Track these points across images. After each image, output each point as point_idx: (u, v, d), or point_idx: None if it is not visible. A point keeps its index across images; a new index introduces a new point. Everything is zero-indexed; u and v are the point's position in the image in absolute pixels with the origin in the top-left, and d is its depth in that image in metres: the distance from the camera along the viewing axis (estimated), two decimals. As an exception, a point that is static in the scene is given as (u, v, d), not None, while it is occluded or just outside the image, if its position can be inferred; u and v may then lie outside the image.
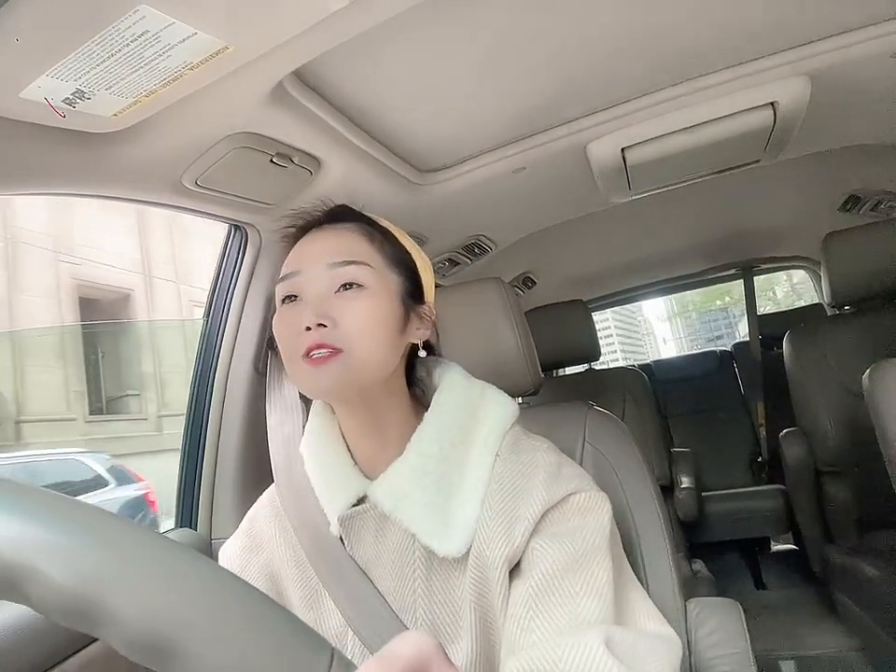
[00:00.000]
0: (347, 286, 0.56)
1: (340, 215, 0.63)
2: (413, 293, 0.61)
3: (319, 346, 0.53)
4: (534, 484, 0.55)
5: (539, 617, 0.47)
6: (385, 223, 0.65)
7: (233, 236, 1.03)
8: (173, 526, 1.06)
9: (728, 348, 2.93)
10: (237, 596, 0.25)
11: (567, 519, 0.53)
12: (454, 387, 0.62)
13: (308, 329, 0.53)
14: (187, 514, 1.05)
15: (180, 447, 1.08)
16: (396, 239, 0.63)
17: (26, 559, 0.23)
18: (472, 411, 0.61)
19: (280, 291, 0.58)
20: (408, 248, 0.64)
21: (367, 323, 0.55)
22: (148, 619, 0.23)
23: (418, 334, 0.62)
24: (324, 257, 0.57)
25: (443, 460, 0.57)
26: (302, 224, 0.62)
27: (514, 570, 0.53)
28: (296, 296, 0.57)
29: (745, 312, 2.67)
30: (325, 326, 0.54)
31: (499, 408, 0.63)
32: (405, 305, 0.59)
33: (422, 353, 0.63)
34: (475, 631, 0.54)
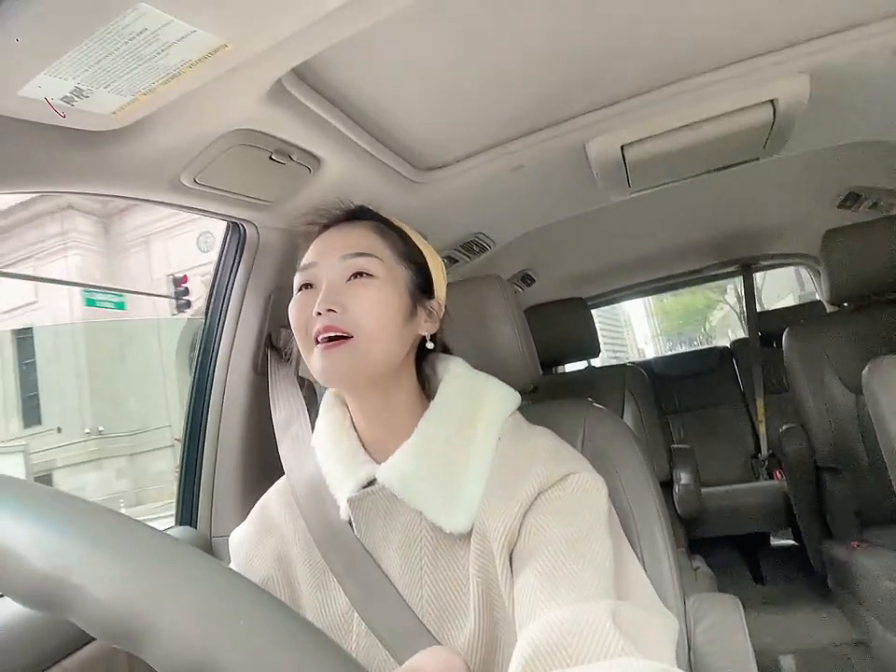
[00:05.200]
0: (357, 275, 0.60)
1: (358, 214, 0.68)
2: (422, 287, 0.66)
3: (328, 329, 0.57)
4: (533, 465, 0.58)
5: (546, 596, 0.48)
6: (398, 223, 0.70)
7: (232, 233, 1.03)
8: (173, 524, 1.06)
9: (727, 345, 2.94)
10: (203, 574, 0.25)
11: (566, 497, 0.56)
12: (458, 377, 0.67)
13: (319, 314, 0.58)
14: (187, 512, 1.06)
15: (180, 445, 1.08)
16: (408, 237, 0.68)
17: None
18: (476, 398, 0.65)
19: (297, 281, 0.63)
20: (420, 247, 0.69)
21: (374, 310, 0.59)
22: (119, 604, 0.23)
23: (426, 326, 0.66)
24: (338, 249, 0.61)
25: (448, 443, 0.61)
26: (324, 222, 0.67)
27: (518, 550, 0.55)
28: (311, 284, 0.62)
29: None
30: (334, 311, 0.58)
31: (501, 395, 0.67)
32: (413, 297, 0.64)
33: (429, 345, 0.67)
34: (479, 607, 0.56)
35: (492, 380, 0.69)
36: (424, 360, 0.70)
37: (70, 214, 11.63)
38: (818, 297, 2.78)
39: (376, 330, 0.58)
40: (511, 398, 0.68)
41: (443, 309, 0.69)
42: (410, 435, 0.62)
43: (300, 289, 0.63)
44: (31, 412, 11.54)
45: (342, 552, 0.62)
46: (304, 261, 0.63)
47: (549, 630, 0.43)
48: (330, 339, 0.58)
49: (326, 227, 0.66)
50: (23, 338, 11.81)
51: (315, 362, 0.59)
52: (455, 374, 0.67)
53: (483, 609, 0.56)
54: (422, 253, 0.68)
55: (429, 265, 0.68)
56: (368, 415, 0.65)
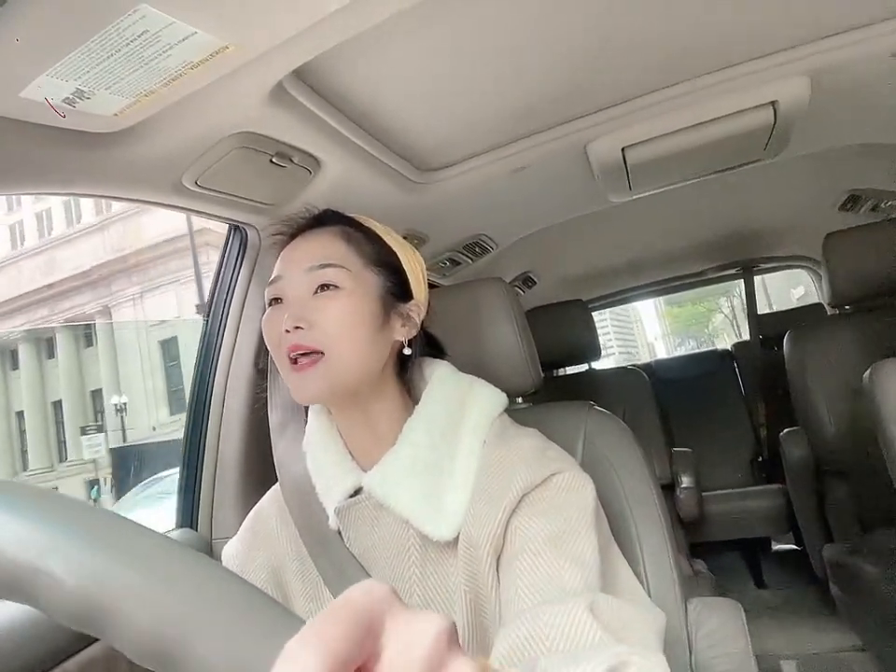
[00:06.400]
0: (323, 287, 0.58)
1: (323, 219, 0.65)
2: (396, 291, 0.63)
3: (297, 348, 0.56)
4: (518, 467, 0.58)
5: (528, 593, 0.48)
6: (370, 223, 0.66)
7: (233, 236, 1.03)
8: (173, 527, 1.06)
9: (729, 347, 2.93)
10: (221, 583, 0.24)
11: (550, 498, 0.56)
12: (444, 382, 0.65)
13: (287, 331, 0.56)
14: (187, 514, 1.05)
15: (181, 447, 1.08)
16: (378, 238, 0.65)
17: (31, 560, 0.23)
18: (461, 402, 0.64)
19: (266, 295, 0.62)
20: (393, 247, 0.65)
21: (343, 322, 0.57)
22: (157, 623, 0.22)
23: (403, 331, 0.63)
24: (303, 261, 0.59)
25: (434, 449, 0.60)
26: (290, 231, 0.65)
27: (504, 554, 0.54)
28: (279, 299, 0.60)
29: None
30: (301, 328, 0.56)
31: (486, 398, 0.66)
32: (385, 304, 0.61)
33: (406, 351, 0.64)
34: (468, 612, 0.55)
35: (477, 383, 0.67)
36: (408, 364, 0.68)
37: (206, 249, 14.05)
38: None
39: (346, 344, 0.57)
40: (497, 400, 0.66)
41: (424, 311, 0.66)
42: (395, 442, 0.60)
43: (270, 304, 0.61)
44: (177, 402, 15.02)
45: (332, 560, 0.61)
46: (272, 275, 0.61)
47: (526, 623, 0.43)
48: (302, 354, 0.56)
49: (292, 236, 0.64)
50: (170, 344, 15.77)
51: (291, 384, 0.58)
52: (439, 378, 0.65)
53: (472, 615, 0.55)
54: (395, 254, 0.65)
55: (405, 266, 0.65)
56: (350, 424, 0.64)
